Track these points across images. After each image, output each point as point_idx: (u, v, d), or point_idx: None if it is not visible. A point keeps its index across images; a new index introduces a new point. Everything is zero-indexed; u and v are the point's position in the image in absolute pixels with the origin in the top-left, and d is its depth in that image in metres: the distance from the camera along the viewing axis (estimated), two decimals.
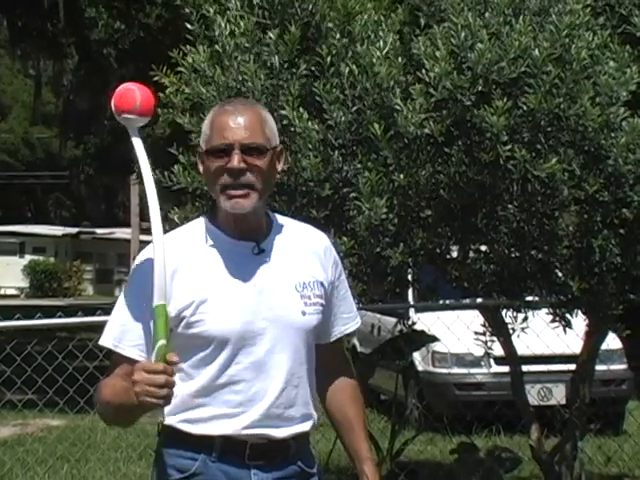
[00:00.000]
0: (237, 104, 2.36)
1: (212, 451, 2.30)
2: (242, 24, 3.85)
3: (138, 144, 2.29)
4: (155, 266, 2.19)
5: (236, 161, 2.26)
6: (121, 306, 2.33)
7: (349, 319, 2.49)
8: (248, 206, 2.28)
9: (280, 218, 2.43)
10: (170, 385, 2.12)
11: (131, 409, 2.21)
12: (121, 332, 2.31)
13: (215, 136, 2.30)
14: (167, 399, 2.13)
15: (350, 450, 2.49)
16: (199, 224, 2.38)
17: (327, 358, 2.45)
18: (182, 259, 2.30)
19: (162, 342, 2.14)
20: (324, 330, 2.43)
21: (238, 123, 2.29)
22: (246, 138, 2.28)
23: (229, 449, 2.30)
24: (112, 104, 2.28)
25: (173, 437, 2.32)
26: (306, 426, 2.37)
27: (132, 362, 2.28)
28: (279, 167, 2.36)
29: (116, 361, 2.33)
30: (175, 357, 2.15)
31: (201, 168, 2.37)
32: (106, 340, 2.33)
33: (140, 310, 2.29)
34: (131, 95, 2.28)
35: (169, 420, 2.31)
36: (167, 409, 2.26)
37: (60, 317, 5.32)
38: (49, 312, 5.80)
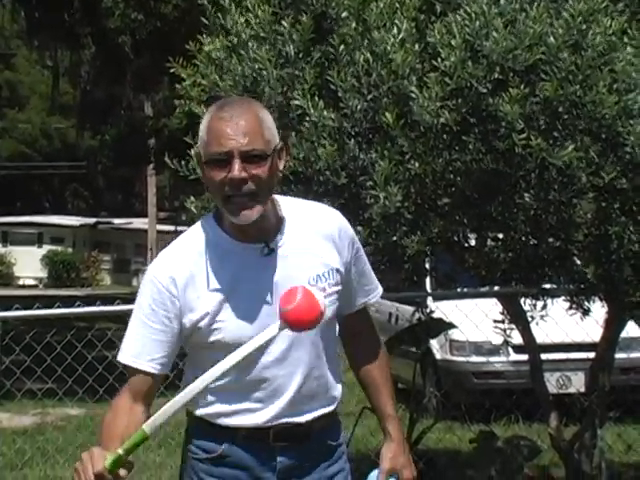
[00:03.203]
0: (234, 106, 2.26)
1: (235, 439, 2.34)
2: (259, 13, 3.85)
3: (268, 335, 2.14)
4: (168, 406, 2.12)
5: (237, 170, 2.19)
6: (136, 321, 2.32)
7: (370, 290, 2.50)
8: (253, 216, 2.23)
9: (290, 206, 2.36)
10: None
11: None
12: (138, 347, 2.31)
13: (213, 143, 2.21)
14: None
15: (376, 410, 2.54)
16: (206, 228, 2.33)
17: (352, 325, 2.48)
18: (192, 270, 2.28)
19: (121, 454, 2.11)
20: (346, 304, 2.43)
21: (236, 129, 2.19)
22: (245, 145, 2.19)
23: (252, 436, 2.33)
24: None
25: (198, 424, 2.37)
26: (329, 408, 2.41)
27: (148, 374, 2.31)
28: (281, 165, 2.30)
29: (131, 375, 2.34)
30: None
31: (201, 174, 2.31)
32: (124, 357, 2.33)
33: (156, 324, 2.29)
34: (293, 297, 2.12)
35: (197, 411, 2.37)
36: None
37: (79, 307, 5.35)
38: (68, 302, 5.82)
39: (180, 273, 2.27)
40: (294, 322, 2.12)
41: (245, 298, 2.27)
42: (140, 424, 2.15)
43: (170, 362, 2.33)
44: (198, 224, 2.37)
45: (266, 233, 2.30)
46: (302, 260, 2.32)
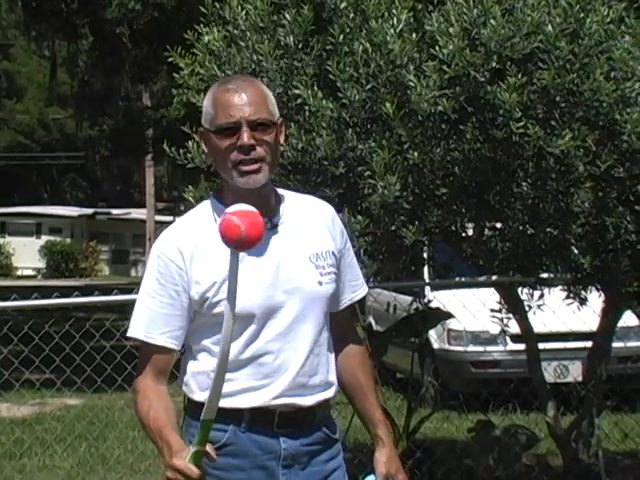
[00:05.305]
0: (238, 81, 2.39)
1: (241, 422, 2.34)
2: (258, 4, 3.85)
3: (234, 265, 2.14)
4: (212, 384, 2.15)
5: (246, 137, 2.30)
6: (144, 296, 2.35)
7: (357, 286, 2.53)
8: (262, 179, 2.33)
9: (285, 192, 2.46)
10: None
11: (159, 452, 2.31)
12: (149, 322, 2.33)
13: (221, 115, 2.33)
14: None
15: (363, 416, 2.54)
16: (208, 206, 2.40)
17: (337, 326, 2.48)
18: (197, 243, 2.33)
19: (198, 448, 2.15)
20: (334, 299, 2.46)
21: (242, 100, 2.32)
22: (252, 114, 2.31)
23: (258, 419, 2.34)
24: (220, 233, 2.13)
25: (199, 412, 2.27)
26: (329, 393, 2.42)
27: (162, 350, 2.32)
28: (281, 139, 2.40)
29: (146, 351, 2.34)
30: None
31: (205, 147, 2.42)
32: (136, 332, 2.34)
33: (165, 298, 2.32)
34: (236, 228, 2.09)
35: (197, 396, 2.36)
36: (194, 386, 2.35)
37: (77, 297, 5.34)
38: (66, 292, 5.81)
39: (186, 245, 2.33)
40: (252, 239, 2.09)
41: (249, 270, 2.30)
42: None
43: (182, 337, 2.35)
44: (199, 205, 2.44)
45: (268, 209, 2.36)
46: (302, 238, 2.39)
